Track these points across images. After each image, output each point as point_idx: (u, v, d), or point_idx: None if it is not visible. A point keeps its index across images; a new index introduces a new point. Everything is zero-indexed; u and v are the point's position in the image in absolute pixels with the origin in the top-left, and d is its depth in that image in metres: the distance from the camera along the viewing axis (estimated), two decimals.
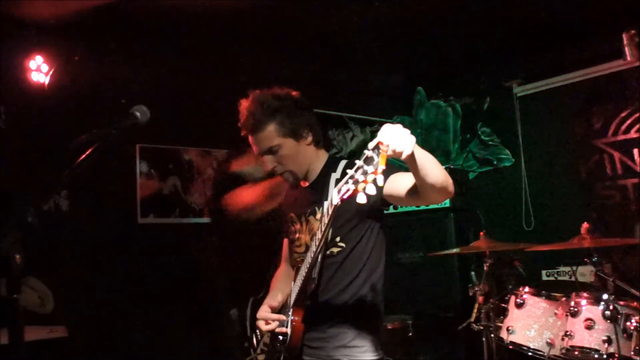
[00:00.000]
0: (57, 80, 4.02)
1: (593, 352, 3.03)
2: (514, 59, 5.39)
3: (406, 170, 1.98)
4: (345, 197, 1.71)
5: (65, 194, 4.05)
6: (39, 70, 3.98)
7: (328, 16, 4.36)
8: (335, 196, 1.77)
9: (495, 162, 5.56)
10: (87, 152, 1.72)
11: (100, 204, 4.16)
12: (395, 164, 2.08)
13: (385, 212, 2.37)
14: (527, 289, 3.48)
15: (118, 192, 4.31)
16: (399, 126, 1.70)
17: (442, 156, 5.71)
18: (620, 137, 4.85)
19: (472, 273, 4.74)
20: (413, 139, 1.72)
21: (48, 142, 3.87)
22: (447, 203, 5.00)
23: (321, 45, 4.95)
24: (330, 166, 2.34)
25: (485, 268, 3.84)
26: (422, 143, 5.75)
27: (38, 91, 3.97)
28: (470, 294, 3.90)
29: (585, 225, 3.43)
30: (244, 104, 2.33)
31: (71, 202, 4.07)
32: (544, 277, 4.63)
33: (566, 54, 5.11)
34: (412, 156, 1.76)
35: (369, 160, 1.62)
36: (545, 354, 3.26)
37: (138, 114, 1.90)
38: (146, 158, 4.44)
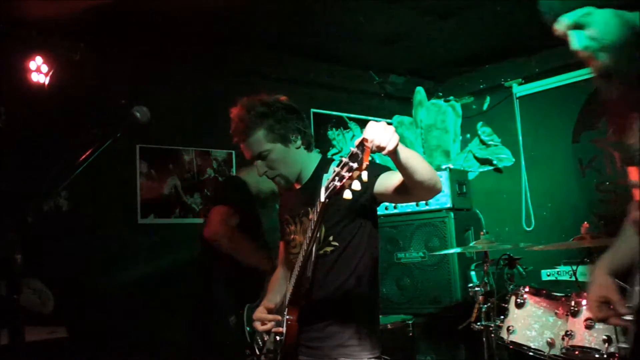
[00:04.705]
0: (57, 80, 4.02)
1: (593, 352, 3.03)
2: (514, 59, 5.39)
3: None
4: (332, 193, 1.75)
5: (65, 194, 4.05)
6: (39, 70, 3.97)
7: (328, 16, 4.36)
8: (322, 194, 1.80)
9: (495, 162, 5.55)
10: (88, 152, 1.73)
11: (101, 204, 4.16)
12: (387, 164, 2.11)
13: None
14: (527, 289, 3.48)
15: (118, 192, 4.31)
16: (383, 123, 1.78)
17: (442, 156, 5.70)
18: None
19: (472, 273, 4.75)
20: (397, 136, 1.78)
21: (48, 142, 3.87)
22: (447, 203, 5.01)
23: (321, 45, 4.96)
24: (323, 167, 2.36)
25: (485, 268, 3.84)
26: (422, 143, 5.74)
27: (38, 91, 3.97)
28: (470, 294, 3.91)
29: (585, 225, 3.43)
30: (234, 111, 2.40)
31: (71, 202, 4.07)
32: (544, 277, 4.63)
33: (566, 54, 5.09)
34: (395, 152, 1.82)
35: (353, 157, 1.66)
36: (546, 354, 3.26)
37: (138, 114, 1.91)
38: (146, 158, 4.43)
